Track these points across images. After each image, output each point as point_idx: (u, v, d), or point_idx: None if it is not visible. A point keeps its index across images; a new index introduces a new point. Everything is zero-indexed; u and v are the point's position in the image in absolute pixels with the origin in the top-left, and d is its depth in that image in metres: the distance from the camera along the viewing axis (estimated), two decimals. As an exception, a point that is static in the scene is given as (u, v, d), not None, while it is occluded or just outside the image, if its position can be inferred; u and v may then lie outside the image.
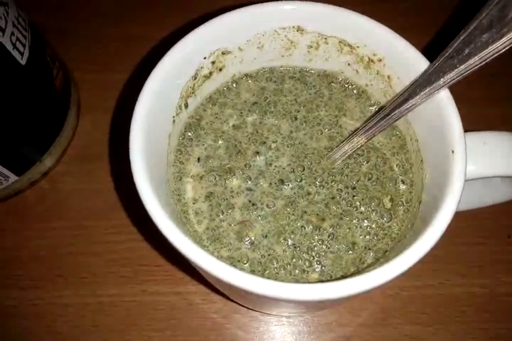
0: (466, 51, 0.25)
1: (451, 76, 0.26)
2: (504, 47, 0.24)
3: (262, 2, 0.29)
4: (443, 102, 0.26)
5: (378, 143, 0.32)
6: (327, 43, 0.31)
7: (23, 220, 0.43)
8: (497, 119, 0.45)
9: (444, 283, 0.41)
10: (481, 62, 0.25)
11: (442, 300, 0.40)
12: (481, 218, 0.42)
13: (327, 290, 0.22)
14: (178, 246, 0.23)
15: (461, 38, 0.25)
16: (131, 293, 0.40)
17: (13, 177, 0.40)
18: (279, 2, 0.29)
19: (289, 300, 0.23)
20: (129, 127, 0.26)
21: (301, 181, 0.31)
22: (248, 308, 0.39)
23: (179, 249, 0.23)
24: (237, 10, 0.29)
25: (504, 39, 0.23)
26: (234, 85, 0.34)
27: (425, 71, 0.27)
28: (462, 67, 0.25)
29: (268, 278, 0.28)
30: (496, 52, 0.24)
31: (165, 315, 0.39)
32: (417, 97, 0.27)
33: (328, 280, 0.28)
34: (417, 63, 0.28)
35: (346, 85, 0.34)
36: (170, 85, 0.28)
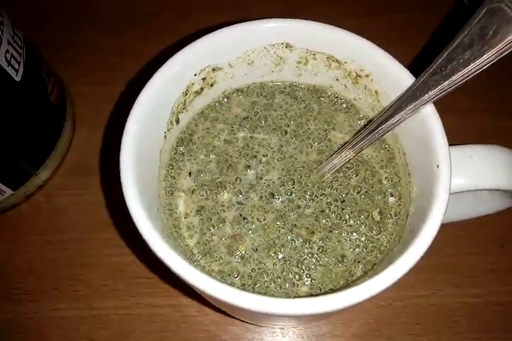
0: (449, 68, 0.25)
1: (435, 92, 0.26)
2: (485, 65, 0.24)
3: (257, 19, 0.30)
4: (428, 117, 0.27)
5: (367, 156, 0.33)
6: (315, 59, 0.32)
7: (18, 233, 0.43)
8: (485, 131, 0.46)
9: (437, 293, 0.41)
10: (463, 79, 0.25)
11: (435, 310, 0.40)
12: (472, 228, 0.42)
13: (317, 305, 0.22)
14: (168, 263, 0.24)
15: (444, 54, 0.26)
16: (125, 305, 0.40)
17: (8, 192, 0.40)
18: (267, 20, 0.30)
19: (279, 315, 0.23)
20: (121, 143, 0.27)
21: (291, 195, 0.31)
22: (242, 321, 0.39)
23: (169, 265, 0.23)
24: (226, 28, 0.30)
25: (485, 57, 0.24)
26: (225, 100, 0.34)
27: (410, 87, 0.27)
28: (446, 83, 0.26)
29: (259, 291, 0.28)
30: (478, 69, 0.25)
31: (159, 327, 0.40)
32: (403, 112, 0.27)
33: (318, 294, 0.28)
34: (403, 79, 0.28)
35: (335, 99, 0.34)
36: (161, 101, 0.29)
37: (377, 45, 0.29)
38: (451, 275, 0.42)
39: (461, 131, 0.38)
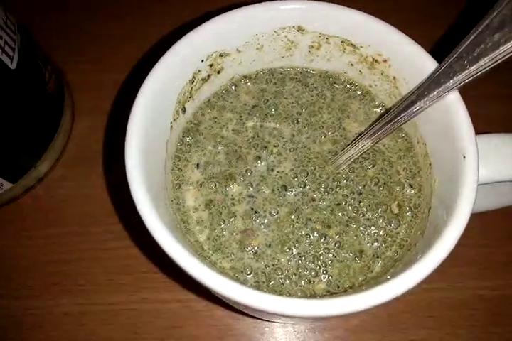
0: (477, 51, 0.24)
1: (461, 77, 0.24)
2: (517, 48, 0.22)
3: (261, 1, 0.28)
4: (452, 105, 0.25)
5: (384, 145, 0.31)
6: (329, 43, 0.30)
7: (18, 228, 0.41)
8: (500, 117, 0.44)
9: (452, 285, 0.40)
10: (492, 63, 0.23)
11: (450, 303, 0.39)
12: (489, 219, 0.40)
13: (337, 306, 0.21)
14: (178, 262, 0.22)
15: (471, 37, 0.24)
16: (131, 300, 0.39)
17: (7, 185, 0.39)
18: (278, 1, 0.28)
19: (296, 316, 0.22)
20: (125, 132, 0.25)
21: (304, 187, 0.30)
22: (251, 316, 0.38)
23: (179, 264, 0.22)
24: (234, 10, 0.28)
25: (517, 39, 0.22)
26: (233, 88, 0.33)
27: (433, 72, 0.26)
28: (473, 68, 0.24)
29: (273, 289, 0.27)
30: (509, 53, 0.23)
31: (167, 323, 0.38)
32: (425, 99, 0.26)
33: (335, 292, 0.27)
34: (425, 64, 0.26)
35: (349, 86, 0.32)
36: (166, 91, 0.27)
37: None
38: (467, 268, 0.40)
39: (476, 117, 0.36)
